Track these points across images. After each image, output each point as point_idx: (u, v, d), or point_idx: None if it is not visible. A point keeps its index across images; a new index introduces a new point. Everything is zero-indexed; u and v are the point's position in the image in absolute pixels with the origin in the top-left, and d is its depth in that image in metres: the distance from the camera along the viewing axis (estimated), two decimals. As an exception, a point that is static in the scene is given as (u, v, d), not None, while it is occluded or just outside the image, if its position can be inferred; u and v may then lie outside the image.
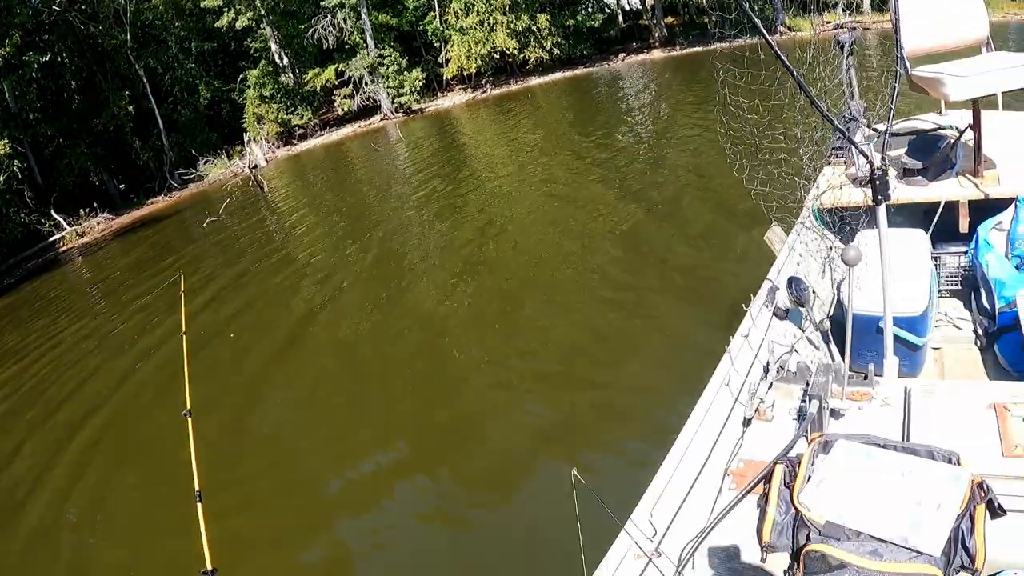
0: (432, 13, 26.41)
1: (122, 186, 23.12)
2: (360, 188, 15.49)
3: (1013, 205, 3.22)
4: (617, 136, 13.30)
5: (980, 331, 3.11)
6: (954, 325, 3.25)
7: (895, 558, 1.52)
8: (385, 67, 25.37)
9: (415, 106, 25.75)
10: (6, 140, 17.84)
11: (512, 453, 4.45)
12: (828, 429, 2.06)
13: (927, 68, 3.32)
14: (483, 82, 26.41)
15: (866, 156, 2.14)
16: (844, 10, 20.66)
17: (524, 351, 5.65)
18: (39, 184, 20.20)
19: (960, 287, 3.44)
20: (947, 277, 3.47)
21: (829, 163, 3.79)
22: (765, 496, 1.75)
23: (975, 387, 2.20)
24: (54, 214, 19.03)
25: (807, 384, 2.16)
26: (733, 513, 1.86)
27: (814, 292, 3.13)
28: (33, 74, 20.06)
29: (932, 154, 3.51)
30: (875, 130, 3.45)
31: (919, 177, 3.50)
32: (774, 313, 2.80)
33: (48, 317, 11.33)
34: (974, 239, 3.34)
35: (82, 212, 19.56)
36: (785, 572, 1.69)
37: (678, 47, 24.87)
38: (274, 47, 25.95)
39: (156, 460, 5.38)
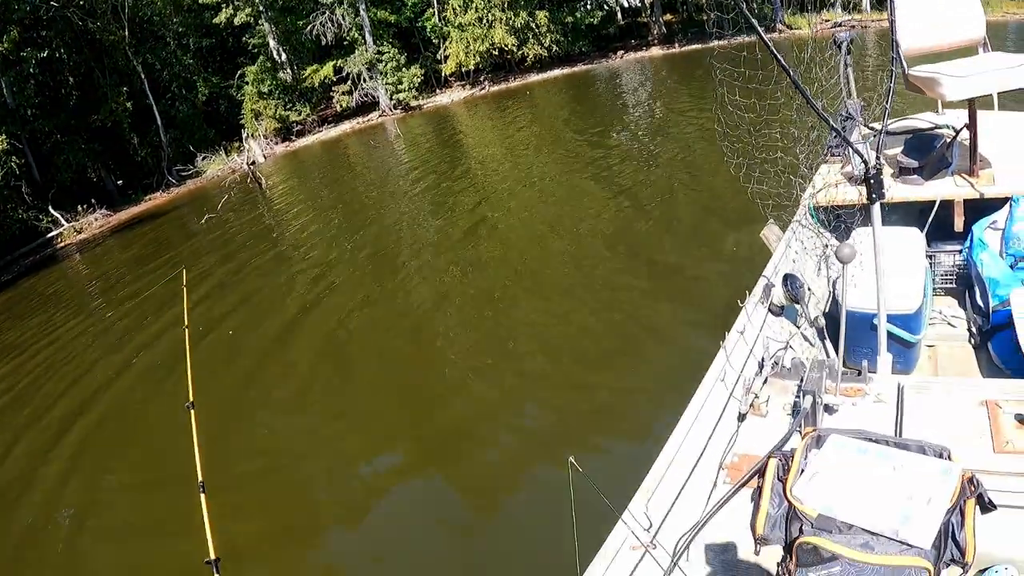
0: (431, 9, 26.36)
1: (120, 182, 23.06)
2: (358, 185, 15.49)
3: (1008, 205, 3.25)
4: (614, 134, 13.32)
5: (974, 329, 3.13)
6: (948, 323, 3.28)
7: (886, 550, 1.55)
8: (384, 63, 25.33)
9: (413, 103, 25.72)
10: (3, 136, 17.78)
11: (508, 444, 4.51)
12: (822, 424, 2.09)
13: (924, 68, 3.35)
14: (481, 79, 26.38)
15: (861, 155, 2.17)
16: (843, 8, 20.68)
17: (520, 346, 5.69)
18: (37, 180, 20.14)
19: (955, 285, 3.47)
20: (942, 275, 3.50)
21: (826, 161, 3.81)
22: (759, 489, 1.78)
23: (967, 384, 2.23)
24: (52, 210, 18.98)
25: (801, 380, 2.19)
26: (727, 506, 1.89)
27: (809, 289, 3.15)
28: (31, 70, 19.98)
29: (928, 153, 3.54)
30: (871, 129, 3.48)
31: (915, 176, 3.53)
32: (770, 310, 2.83)
33: (45, 313, 11.32)
34: (969, 238, 3.37)
35: (80, 208, 19.51)
36: (778, 564, 1.72)
37: (677, 44, 24.87)
38: (272, 43, 25.89)
39: (158, 452, 5.42)
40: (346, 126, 25.74)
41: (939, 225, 3.36)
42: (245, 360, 6.88)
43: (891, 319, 2.62)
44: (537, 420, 4.67)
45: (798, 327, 2.92)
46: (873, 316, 2.52)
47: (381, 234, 10.39)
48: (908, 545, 1.55)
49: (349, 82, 25.68)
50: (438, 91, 27.18)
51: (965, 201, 3.36)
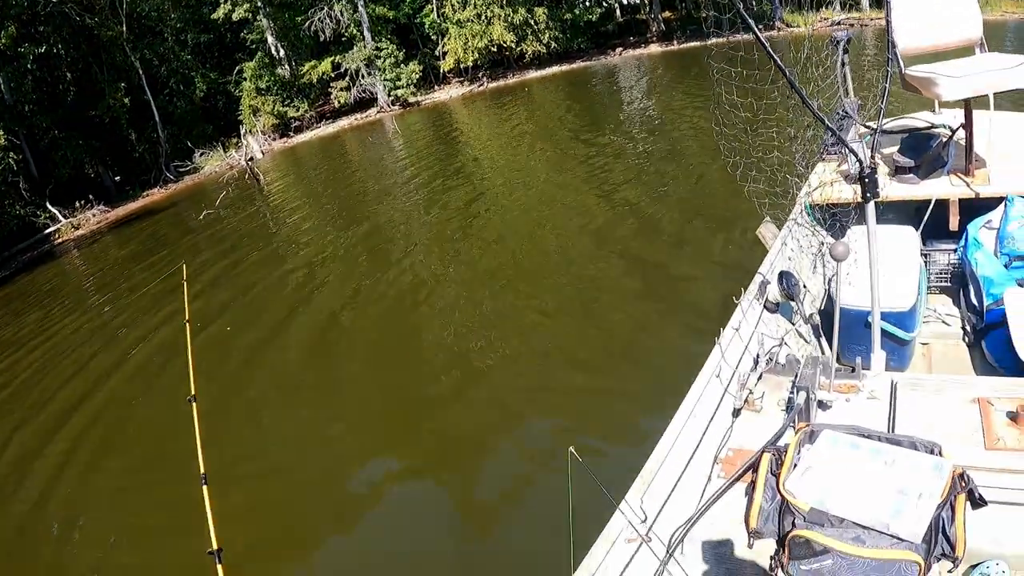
0: (429, 6, 26.30)
1: (117, 178, 23.02)
2: (356, 181, 15.49)
3: (1003, 204, 3.28)
4: (611, 131, 13.33)
5: (968, 327, 3.16)
6: (943, 321, 3.30)
7: (877, 544, 1.57)
8: (382, 60, 25.28)
9: (412, 99, 25.69)
10: (1, 132, 17.75)
11: (506, 438, 4.55)
12: (815, 420, 2.12)
13: (920, 68, 3.37)
14: (480, 75, 26.35)
15: (855, 154, 2.19)
16: (841, 7, 20.69)
17: (518, 341, 5.72)
18: (34, 176, 20.10)
19: (949, 284, 3.50)
20: (937, 274, 3.53)
21: (823, 159, 3.84)
22: (752, 484, 1.81)
23: (960, 381, 2.25)
24: (49, 206, 18.94)
25: (796, 376, 2.22)
26: (722, 500, 1.91)
27: (805, 287, 3.18)
28: (28, 66, 19.93)
29: (924, 152, 3.56)
30: (868, 127, 3.50)
31: (911, 175, 3.55)
32: (765, 306, 2.86)
33: (43, 310, 11.32)
34: (964, 237, 3.39)
35: (77, 204, 19.46)
36: (771, 557, 1.74)
37: (675, 42, 24.84)
38: (270, 39, 25.84)
39: (158, 445, 5.45)
40: (344, 122, 25.71)
41: (934, 224, 3.38)
42: (243, 355, 6.90)
43: (885, 317, 2.65)
44: (535, 413, 4.70)
45: (793, 324, 2.94)
46: (867, 313, 2.54)
47: (378, 231, 10.41)
48: (899, 539, 1.57)
49: (347, 78, 25.63)
50: (436, 87, 27.15)
51: (960, 200, 3.38)
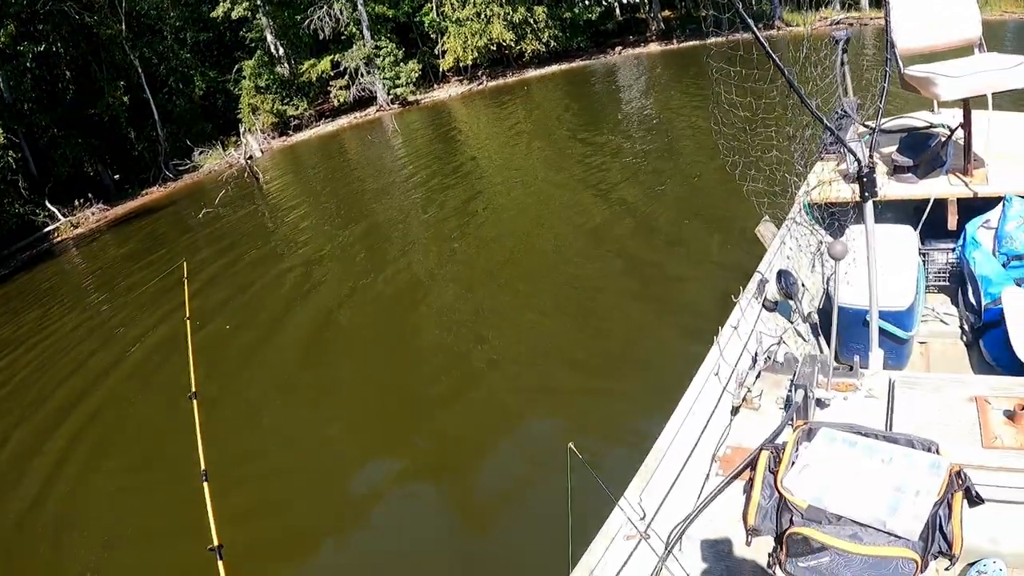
0: (429, 4, 26.29)
1: (116, 176, 23.00)
2: (355, 179, 15.50)
3: (1001, 204, 3.28)
4: (609, 130, 13.35)
5: (966, 326, 3.17)
6: (941, 320, 3.31)
7: (874, 541, 1.58)
8: (381, 58, 25.27)
9: (411, 97, 25.68)
10: (0, 130, 17.74)
11: (505, 434, 4.56)
12: (813, 418, 2.13)
13: (919, 67, 3.37)
14: (479, 74, 26.35)
15: (854, 154, 2.19)
16: (841, 6, 20.70)
17: (516, 339, 5.73)
18: (33, 175, 20.08)
19: (948, 283, 3.50)
20: (935, 273, 3.53)
21: (822, 159, 3.84)
22: (750, 481, 1.82)
23: (957, 380, 2.26)
24: (48, 205, 18.92)
25: (794, 374, 2.22)
26: (720, 498, 1.92)
27: (803, 285, 3.19)
28: (28, 64, 19.91)
29: (923, 152, 3.56)
30: (867, 127, 3.51)
31: (909, 174, 3.56)
32: (763, 305, 2.86)
33: (42, 308, 11.31)
34: (962, 236, 3.40)
35: (76, 203, 19.45)
36: (769, 554, 1.75)
37: (675, 41, 24.82)
38: (270, 37, 25.82)
39: (158, 442, 5.46)
40: (343, 121, 25.69)
41: (933, 223, 3.38)
42: (242, 353, 6.91)
43: (883, 315, 2.65)
44: (533, 411, 4.71)
45: (791, 323, 2.95)
46: (866, 312, 2.55)
47: (377, 229, 10.43)
48: (896, 536, 1.58)
49: (346, 77, 25.61)
50: (436, 86, 27.14)
51: (959, 200, 3.39)
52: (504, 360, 5.45)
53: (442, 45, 26.34)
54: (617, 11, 29.74)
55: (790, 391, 2.18)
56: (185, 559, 3.72)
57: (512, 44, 25.28)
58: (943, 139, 3.61)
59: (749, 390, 2.28)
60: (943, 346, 3.15)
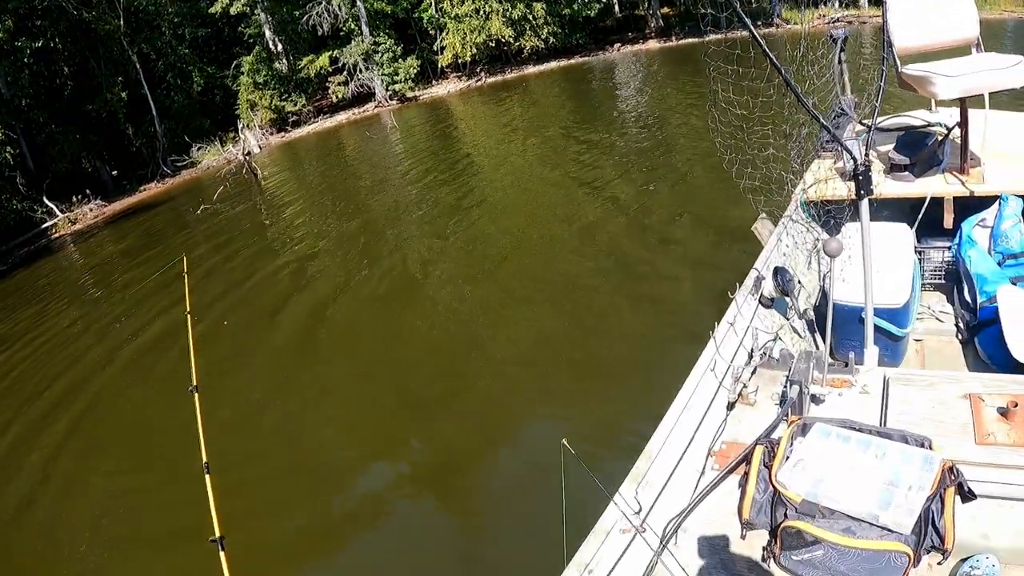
0: (427, 0, 26.26)
1: (114, 172, 22.93)
2: (353, 176, 15.50)
3: (997, 203, 3.30)
4: (606, 127, 13.38)
5: (962, 324, 3.19)
6: (936, 318, 3.33)
7: (867, 535, 1.60)
8: (380, 54, 25.23)
9: (409, 94, 25.64)
10: (-2, 126, 17.72)
11: (501, 430, 4.58)
12: (808, 414, 2.14)
13: (917, 66, 3.39)
14: (478, 70, 26.31)
15: (850, 152, 2.21)
16: (840, 3, 20.69)
17: (510, 334, 5.77)
18: (31, 171, 20.02)
19: (943, 281, 3.52)
20: (931, 271, 3.55)
21: (819, 156, 3.86)
22: (745, 475, 1.83)
23: (951, 377, 2.27)
24: (46, 201, 18.89)
25: (789, 370, 2.24)
26: (715, 492, 1.94)
27: (799, 282, 3.20)
28: (25, 59, 19.83)
29: (920, 150, 3.58)
30: (865, 125, 3.53)
31: (906, 172, 3.57)
32: (760, 302, 2.88)
33: (40, 304, 11.30)
34: (958, 235, 3.42)
35: (74, 199, 19.41)
36: (764, 548, 1.77)
37: (674, 38, 24.81)
38: (268, 33, 25.75)
39: (161, 435, 5.49)
40: (342, 117, 25.65)
41: (929, 222, 3.40)
42: (241, 348, 6.93)
43: (879, 313, 2.67)
44: (528, 407, 4.74)
45: (787, 319, 2.97)
46: (861, 309, 2.56)
47: (374, 225, 10.44)
48: (888, 530, 1.60)
49: (345, 73, 25.55)
50: (434, 82, 27.09)
51: (955, 198, 3.41)
52: (499, 356, 5.48)
53: (441, 41, 26.30)
54: (616, 8, 29.69)
55: (785, 387, 2.19)
56: (187, 550, 3.76)
57: (511, 40, 25.23)
58: (940, 138, 3.63)
59: (745, 386, 2.30)
60: (938, 344, 3.17)
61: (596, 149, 11.57)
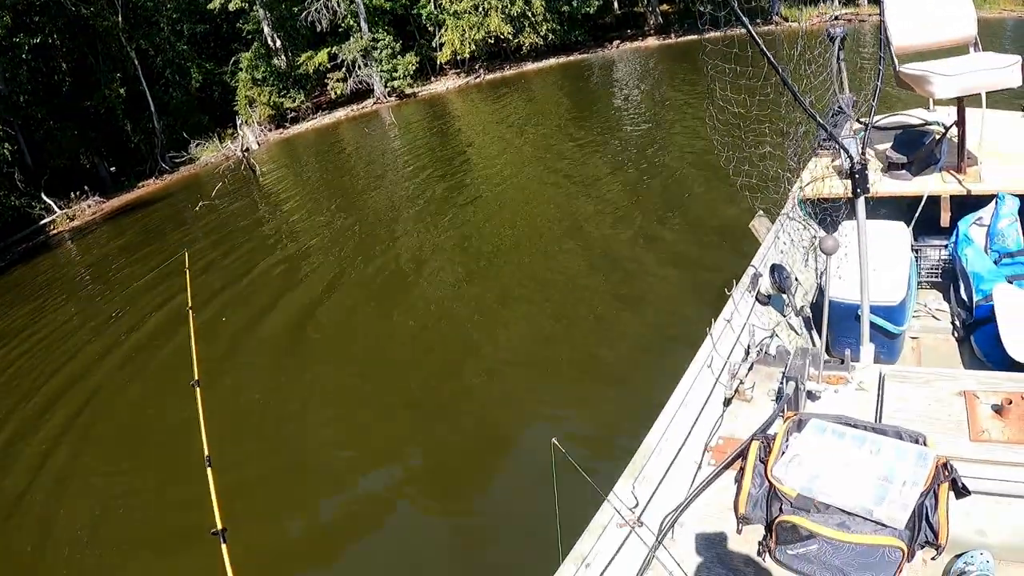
0: (426, -3, 26.25)
1: (113, 169, 22.91)
2: (351, 172, 15.51)
3: (993, 202, 3.32)
4: (605, 125, 13.41)
5: (958, 322, 3.20)
6: (933, 316, 3.35)
7: (861, 530, 1.62)
8: (379, 51, 25.21)
9: (408, 90, 25.63)
10: (-4, 122, 17.69)
11: (495, 427, 4.61)
12: (804, 410, 2.16)
13: (914, 66, 3.40)
14: (477, 67, 26.29)
15: (846, 150, 2.22)
16: (839, 1, 20.70)
17: (509, 330, 5.79)
18: (29, 167, 20.00)
19: (940, 279, 3.54)
20: (928, 269, 3.57)
21: (816, 155, 3.87)
22: (741, 470, 1.85)
23: (946, 374, 2.29)
24: (44, 197, 18.87)
25: (786, 367, 2.25)
26: (712, 487, 1.95)
27: (796, 280, 3.22)
28: (24, 56, 19.80)
29: (917, 149, 3.59)
30: (863, 123, 3.54)
31: (904, 171, 3.59)
32: (757, 298, 2.90)
33: (38, 300, 11.31)
34: (955, 233, 3.43)
35: (73, 195, 19.40)
36: (759, 542, 1.79)
37: (673, 35, 24.82)
38: (267, 29, 25.71)
39: (162, 429, 5.52)
40: (340, 113, 25.64)
41: (926, 220, 3.42)
42: (241, 343, 6.94)
43: (875, 310, 2.69)
44: (525, 404, 4.76)
45: (784, 316, 2.98)
46: (857, 307, 2.58)
47: (372, 222, 10.47)
48: (882, 525, 1.62)
49: (344, 69, 25.54)
50: (433, 79, 27.08)
51: (952, 197, 3.42)
52: (494, 354, 5.50)
53: (440, 38, 26.27)
54: (615, 4, 29.67)
55: (782, 383, 2.21)
56: (189, 542, 3.79)
57: (510, 37, 25.21)
58: (937, 137, 3.64)
59: (741, 382, 2.31)
60: (934, 341, 3.19)
61: (594, 146, 11.60)
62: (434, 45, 26.65)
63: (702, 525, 1.88)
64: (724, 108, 2.51)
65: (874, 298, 2.61)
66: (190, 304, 3.77)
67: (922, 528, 1.65)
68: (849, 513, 1.64)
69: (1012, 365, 2.53)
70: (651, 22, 26.80)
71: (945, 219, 3.44)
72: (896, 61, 3.52)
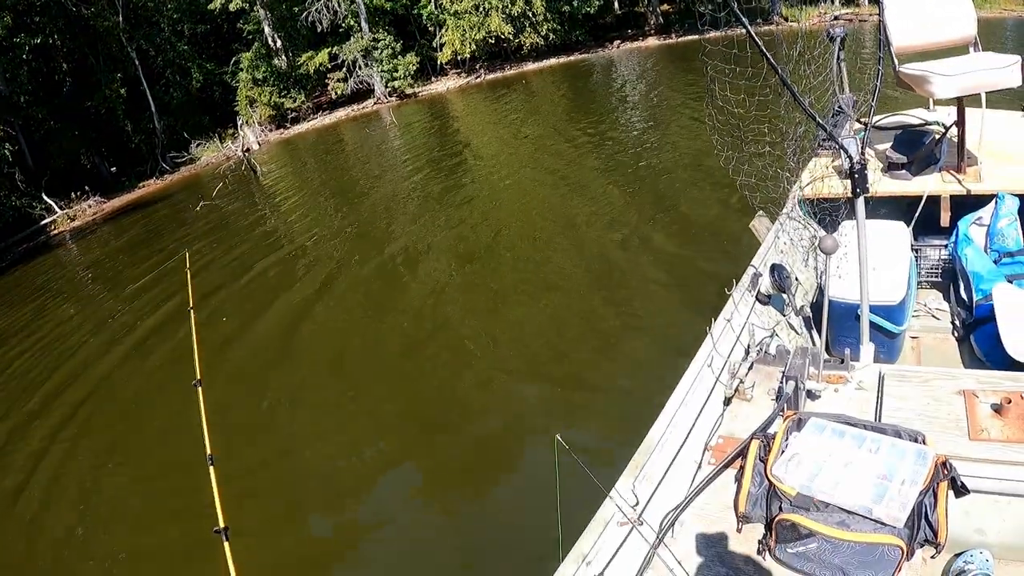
0: (427, -3, 26.26)
1: (113, 169, 22.92)
2: (352, 172, 15.52)
3: (993, 201, 3.32)
4: (606, 124, 13.42)
5: (958, 322, 3.20)
6: (933, 315, 3.35)
7: (860, 528, 1.63)
8: (379, 51, 25.21)
9: (409, 90, 25.64)
10: (-3, 122, 17.71)
11: (497, 425, 4.62)
12: (804, 409, 2.16)
13: (914, 66, 3.40)
14: (477, 67, 26.29)
15: (846, 150, 2.23)
16: (840, 1, 20.69)
17: (509, 331, 5.79)
18: (30, 167, 20.02)
19: (940, 279, 3.54)
20: (928, 269, 3.57)
21: (816, 155, 3.88)
22: (741, 469, 1.86)
23: (946, 374, 2.29)
24: (45, 197, 18.88)
25: (786, 366, 2.26)
26: (712, 486, 1.96)
27: (796, 279, 3.22)
28: (24, 56, 19.82)
29: (917, 149, 3.59)
30: (863, 123, 3.54)
31: (903, 171, 3.59)
32: (757, 298, 2.90)
33: (39, 300, 11.32)
34: (954, 233, 3.44)
35: (73, 195, 19.41)
36: (759, 541, 1.80)
37: (674, 35, 24.80)
38: (267, 29, 25.72)
39: (164, 428, 5.54)
40: (341, 113, 25.64)
41: (926, 220, 3.42)
42: (241, 343, 6.95)
43: (875, 310, 2.69)
44: (531, 400, 4.77)
45: (784, 316, 2.99)
46: (857, 306, 2.58)
47: (373, 222, 10.48)
48: (882, 523, 1.62)
49: (344, 69, 25.54)
50: (434, 79, 27.08)
51: (951, 197, 3.42)
52: (495, 353, 5.50)
53: (440, 38, 26.27)
54: (616, 4, 29.66)
55: (782, 383, 2.21)
56: (192, 540, 3.81)
57: (510, 37, 25.21)
58: (937, 137, 3.65)
59: (741, 381, 2.32)
60: (934, 341, 3.19)
61: (594, 146, 11.62)
62: (435, 45, 26.65)
63: (702, 523, 1.89)
64: (723, 108, 2.52)
65: (874, 298, 2.61)
66: (191, 304, 3.79)
67: (921, 527, 1.66)
68: (848, 511, 1.64)
69: (1012, 364, 2.53)
70: (652, 22, 26.79)
71: (945, 219, 3.44)
72: (896, 61, 3.52)
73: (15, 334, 9.58)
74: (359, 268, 8.41)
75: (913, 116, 4.25)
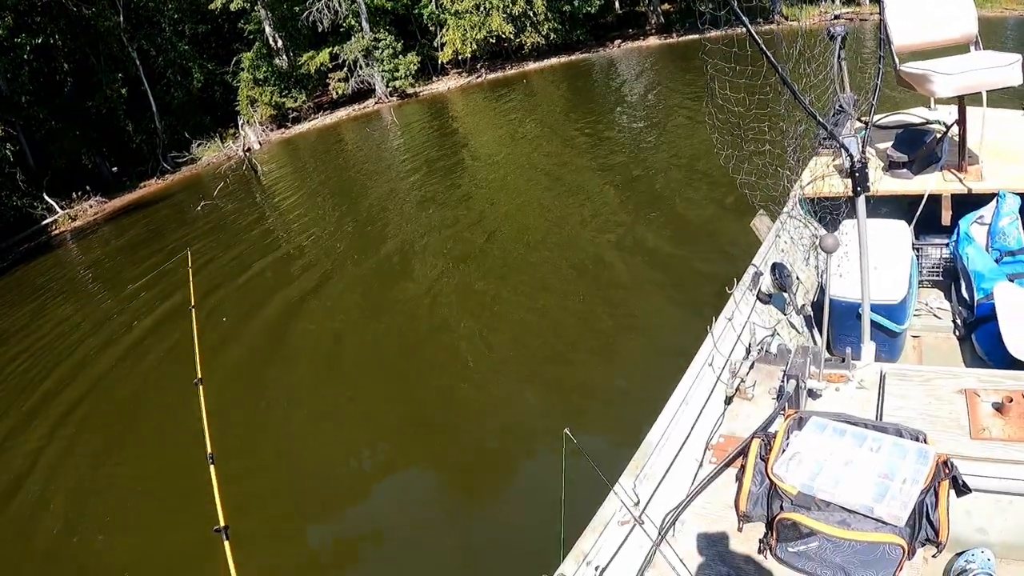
0: (428, -4, 26.26)
1: (114, 169, 22.94)
2: (353, 172, 15.53)
3: (994, 200, 3.31)
4: (606, 124, 13.43)
5: (959, 321, 3.20)
6: (934, 314, 3.35)
7: (861, 527, 1.62)
8: (380, 51, 25.22)
9: (410, 90, 25.65)
10: (-2, 122, 17.73)
11: (500, 423, 4.62)
12: (805, 408, 2.16)
13: (915, 64, 3.40)
14: (478, 67, 26.29)
15: (847, 149, 2.22)
16: (840, 1, 20.68)
17: (507, 331, 5.80)
18: (31, 167, 20.04)
19: (941, 278, 3.54)
20: (929, 268, 3.57)
21: (817, 153, 3.87)
22: (742, 468, 1.85)
23: (947, 373, 2.29)
24: (46, 197, 18.90)
25: (787, 365, 2.25)
26: (713, 485, 1.96)
27: (798, 278, 3.22)
28: (25, 56, 19.84)
29: (918, 148, 3.59)
30: (864, 122, 3.54)
31: (904, 170, 3.58)
32: (758, 297, 2.90)
33: (39, 300, 11.34)
34: (956, 232, 3.43)
35: (74, 195, 19.43)
36: (760, 540, 1.79)
37: (674, 34, 24.79)
38: (268, 29, 25.73)
39: (165, 427, 5.54)
40: (342, 113, 25.65)
41: (927, 219, 3.42)
42: (242, 343, 6.95)
43: (876, 309, 2.69)
44: (529, 398, 4.78)
45: (785, 314, 2.98)
46: (858, 305, 2.58)
47: (377, 219, 10.50)
48: (883, 522, 1.62)
49: (345, 69, 25.56)
50: (435, 79, 27.08)
51: (953, 196, 3.42)
52: (499, 350, 5.50)
53: (441, 37, 26.27)
54: (617, 4, 29.65)
55: (782, 382, 2.21)
56: (192, 539, 3.81)
57: (511, 37, 25.21)
58: (938, 135, 3.64)
59: (742, 380, 2.31)
60: (936, 340, 3.19)
61: (594, 145, 11.63)
62: (435, 45, 26.65)
63: (703, 523, 1.89)
64: (724, 107, 2.52)
65: (875, 297, 2.61)
66: (193, 303, 3.79)
67: (923, 526, 1.66)
68: (850, 511, 1.64)
69: (1013, 363, 2.53)
70: (652, 21, 26.78)
71: (946, 218, 3.44)
72: (897, 60, 3.51)
73: (15, 333, 9.60)
74: (357, 267, 8.44)
75: (914, 115, 4.25)
